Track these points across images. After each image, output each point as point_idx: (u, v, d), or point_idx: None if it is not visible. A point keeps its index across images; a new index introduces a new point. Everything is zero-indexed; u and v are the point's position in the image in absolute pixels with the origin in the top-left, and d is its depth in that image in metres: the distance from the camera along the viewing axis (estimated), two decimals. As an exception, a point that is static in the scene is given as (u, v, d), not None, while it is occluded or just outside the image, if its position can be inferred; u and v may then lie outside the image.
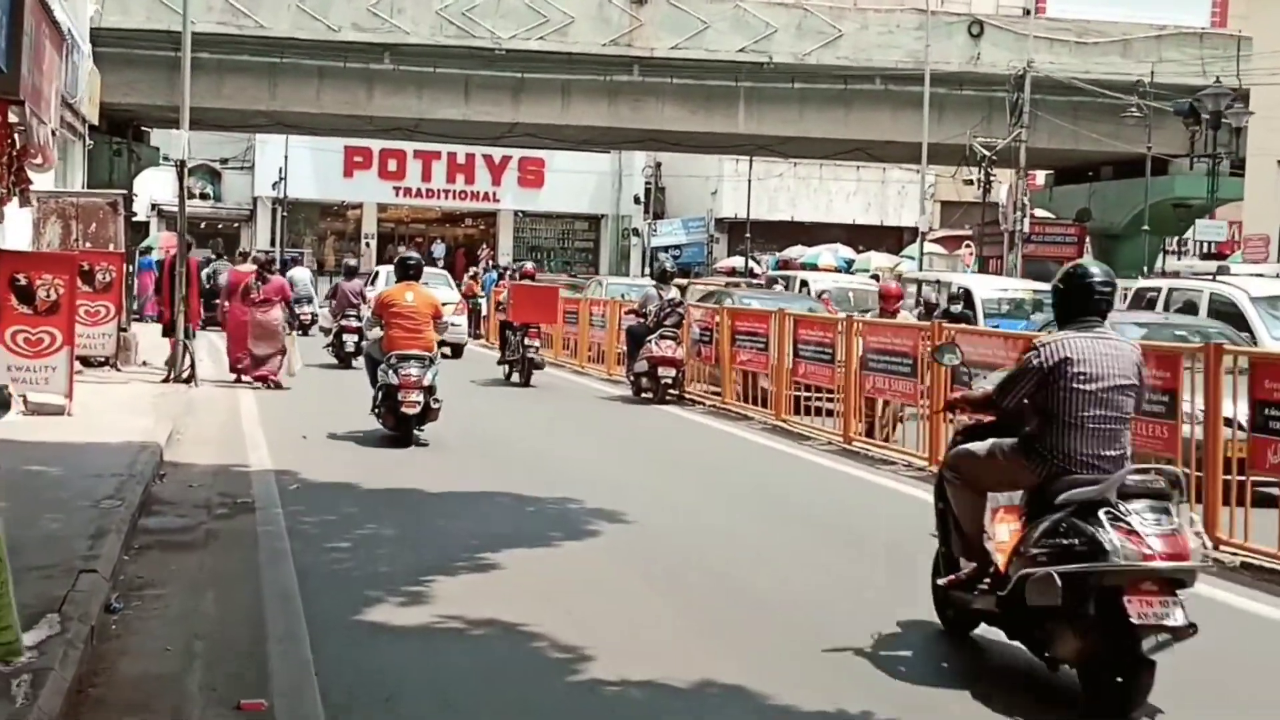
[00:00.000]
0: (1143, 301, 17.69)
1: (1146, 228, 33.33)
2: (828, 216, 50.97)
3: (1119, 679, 5.48)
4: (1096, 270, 6.17)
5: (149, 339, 19.05)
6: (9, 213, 14.72)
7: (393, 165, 51.02)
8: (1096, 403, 5.89)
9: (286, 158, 47.10)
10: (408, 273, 13.39)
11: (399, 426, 12.37)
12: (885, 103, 34.66)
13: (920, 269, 31.66)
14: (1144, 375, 6.25)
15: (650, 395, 16.61)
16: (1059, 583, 5.46)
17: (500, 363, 19.36)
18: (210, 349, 20.07)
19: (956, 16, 34.26)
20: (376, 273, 27.85)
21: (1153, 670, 5.45)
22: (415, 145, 48.64)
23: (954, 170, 36.54)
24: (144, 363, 17.47)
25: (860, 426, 13.12)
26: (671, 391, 16.43)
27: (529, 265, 24.58)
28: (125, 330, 17.03)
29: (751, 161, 46.52)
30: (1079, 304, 6.07)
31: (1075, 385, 5.89)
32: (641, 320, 16.72)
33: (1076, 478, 5.76)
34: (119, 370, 16.46)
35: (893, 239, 50.16)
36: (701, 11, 33.90)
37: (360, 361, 16.91)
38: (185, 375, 16.02)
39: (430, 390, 12.41)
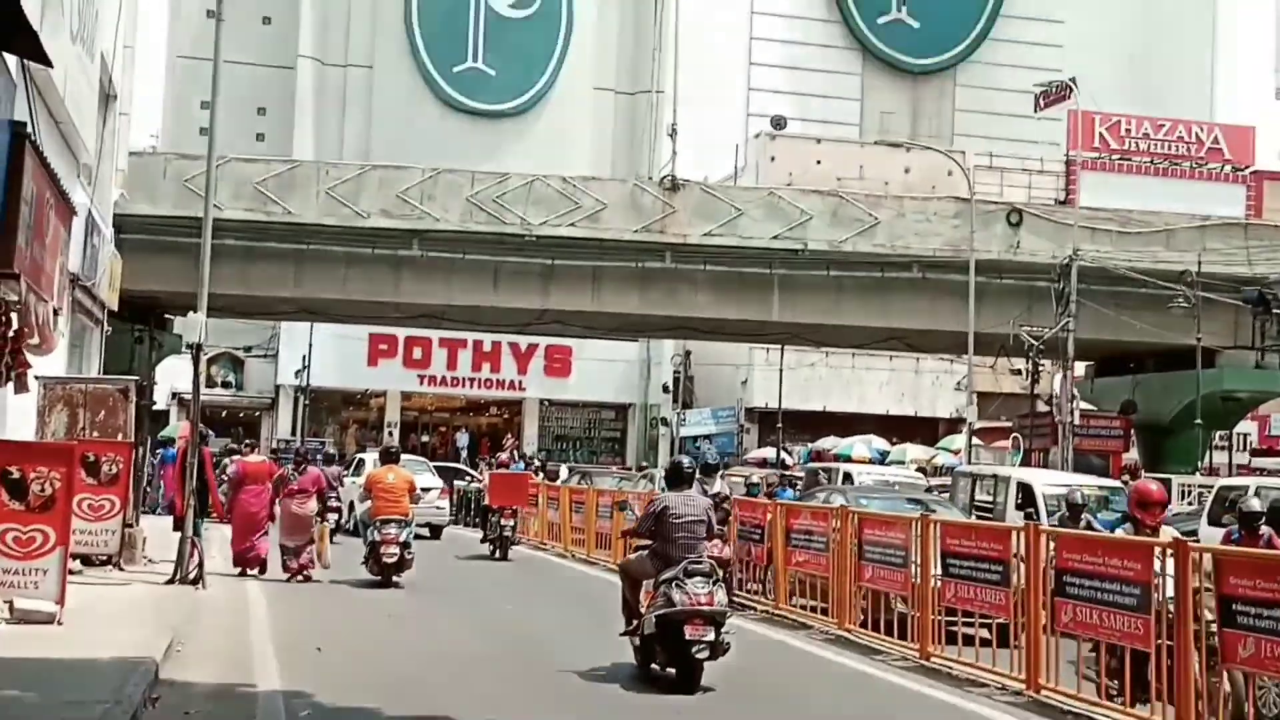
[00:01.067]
0: (1225, 502, 16.40)
1: (1200, 421, 32.13)
2: (861, 407, 49.96)
3: (685, 672, 10.16)
4: (684, 459, 11.98)
5: (161, 534, 17.82)
6: (9, 399, 13.81)
7: (418, 353, 50.38)
8: (681, 529, 10.67)
9: (311, 345, 46.49)
10: (390, 458, 18.04)
11: (382, 572, 16.49)
12: (923, 291, 33.90)
13: (969, 461, 30.41)
14: (712, 515, 11.15)
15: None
16: (654, 622, 10.27)
17: (483, 541, 22.11)
18: (224, 542, 18.93)
19: (995, 205, 33.68)
20: (361, 459, 28.78)
21: (702, 666, 10.15)
22: (441, 333, 48.03)
23: (993, 360, 35.56)
24: (148, 560, 16.23)
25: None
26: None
27: (504, 455, 28.41)
28: (131, 526, 15.83)
29: (783, 350, 45.72)
30: (674, 478, 11.40)
31: (670, 520, 10.73)
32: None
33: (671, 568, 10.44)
34: (122, 569, 15.22)
35: (927, 430, 49.03)
36: (735, 198, 33.45)
37: (340, 539, 20.91)
38: (193, 575, 14.76)
39: (405, 545, 16.60)
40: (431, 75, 51.83)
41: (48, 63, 8.09)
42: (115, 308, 24.66)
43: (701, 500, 11.13)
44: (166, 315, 38.58)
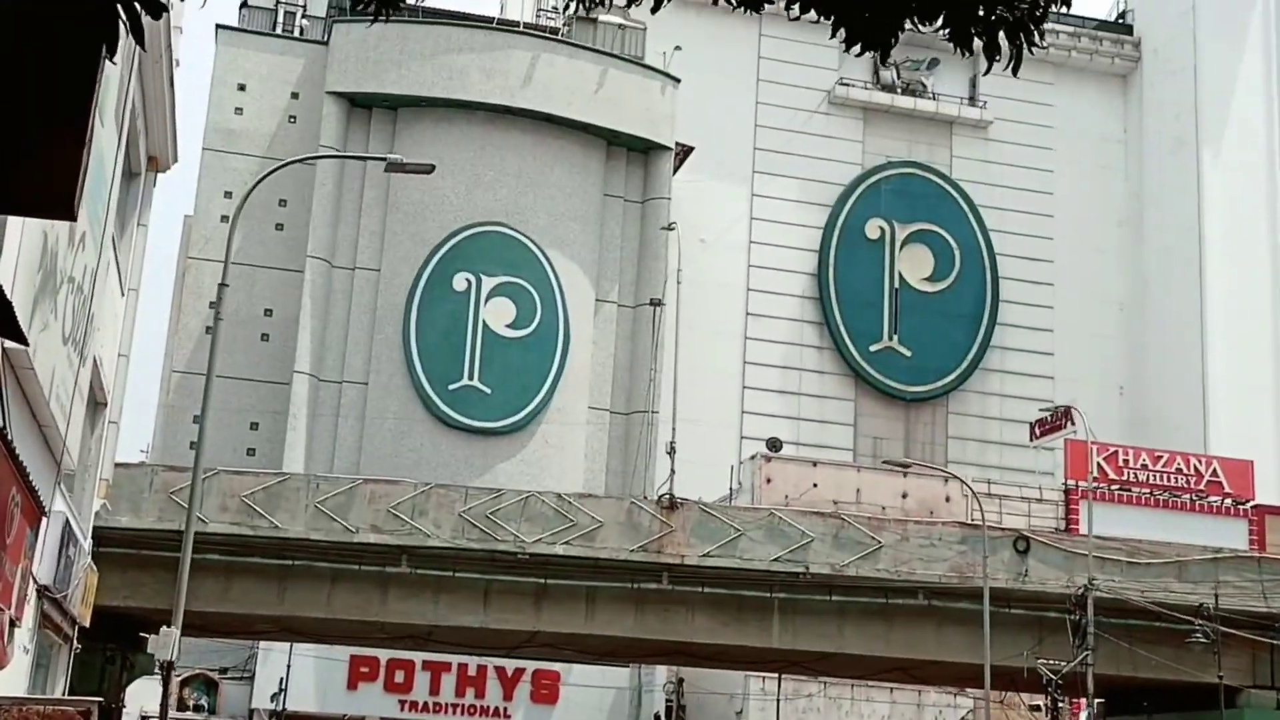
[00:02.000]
0: None
1: (1225, 764, 30.46)
2: (861, 741, 47.81)
3: None
4: None
5: None
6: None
7: (400, 676, 48.41)
8: None
9: (289, 667, 44.66)
10: None
11: None
12: (928, 619, 32.75)
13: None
14: None
15: None
16: None
17: None
18: None
19: (1002, 532, 32.91)
20: None
21: None
22: (424, 655, 46.29)
23: (1001, 695, 34.02)
24: None
25: None
26: None
27: None
28: None
29: (780, 679, 43.98)
30: None
31: None
32: None
33: None
34: None
35: (931, 767, 46.78)
36: (735, 519, 32.64)
37: None
38: None
39: None
40: (426, 392, 51.78)
41: (23, 340, 7.38)
42: (87, 624, 23.44)
43: None
44: (141, 634, 37.06)
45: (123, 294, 22.75)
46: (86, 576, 21.98)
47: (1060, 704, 30.03)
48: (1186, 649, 30.91)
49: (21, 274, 12.74)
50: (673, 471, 33.51)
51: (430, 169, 18.44)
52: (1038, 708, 30.92)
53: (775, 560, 32.02)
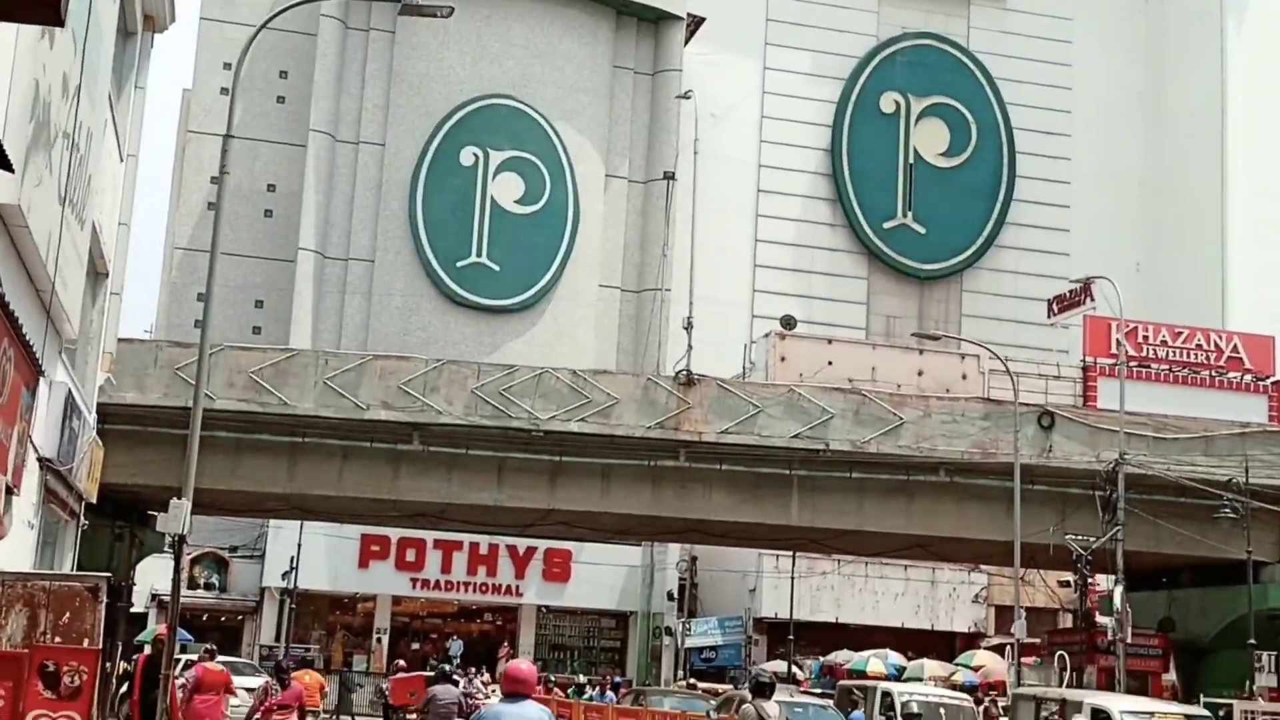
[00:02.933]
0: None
1: (1253, 641, 30.07)
2: (874, 619, 47.66)
3: None
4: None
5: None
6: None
7: (411, 555, 48.18)
8: None
9: (300, 546, 44.32)
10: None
11: None
12: (949, 496, 32.17)
13: (1018, 682, 28.12)
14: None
15: None
16: None
17: None
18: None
19: (1026, 407, 32.14)
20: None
21: None
22: (436, 535, 45.99)
23: (1022, 572, 33.57)
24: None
25: None
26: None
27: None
28: (93, 748, 13.69)
29: (795, 558, 43.68)
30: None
31: None
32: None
33: None
34: (79, 801, 13.06)
35: (944, 645, 46.74)
36: (754, 395, 31.90)
37: None
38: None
39: None
40: (434, 269, 50.89)
41: (7, 166, 6.53)
42: (94, 500, 22.82)
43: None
44: (150, 512, 36.63)
45: (121, 159, 21.77)
46: (92, 451, 21.29)
47: (1090, 580, 29.45)
48: (1212, 525, 30.35)
49: (13, 122, 11.81)
50: (690, 347, 32.73)
51: (450, 11, 17.36)
52: (1067, 583, 30.24)
53: (795, 437, 31.35)
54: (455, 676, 18.88)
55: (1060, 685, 28.29)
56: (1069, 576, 43.81)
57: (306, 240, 50.53)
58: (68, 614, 13.21)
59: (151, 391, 30.26)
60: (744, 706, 13.77)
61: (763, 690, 13.75)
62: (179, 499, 13.61)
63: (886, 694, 22.66)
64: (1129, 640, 28.40)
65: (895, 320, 61.25)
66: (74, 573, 17.62)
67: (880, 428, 31.58)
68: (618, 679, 37.80)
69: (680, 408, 31.38)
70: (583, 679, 36.13)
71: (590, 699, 23.93)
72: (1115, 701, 18.04)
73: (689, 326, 33.43)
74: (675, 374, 31.96)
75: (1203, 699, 25.74)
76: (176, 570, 13.44)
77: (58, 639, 13.15)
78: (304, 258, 50.46)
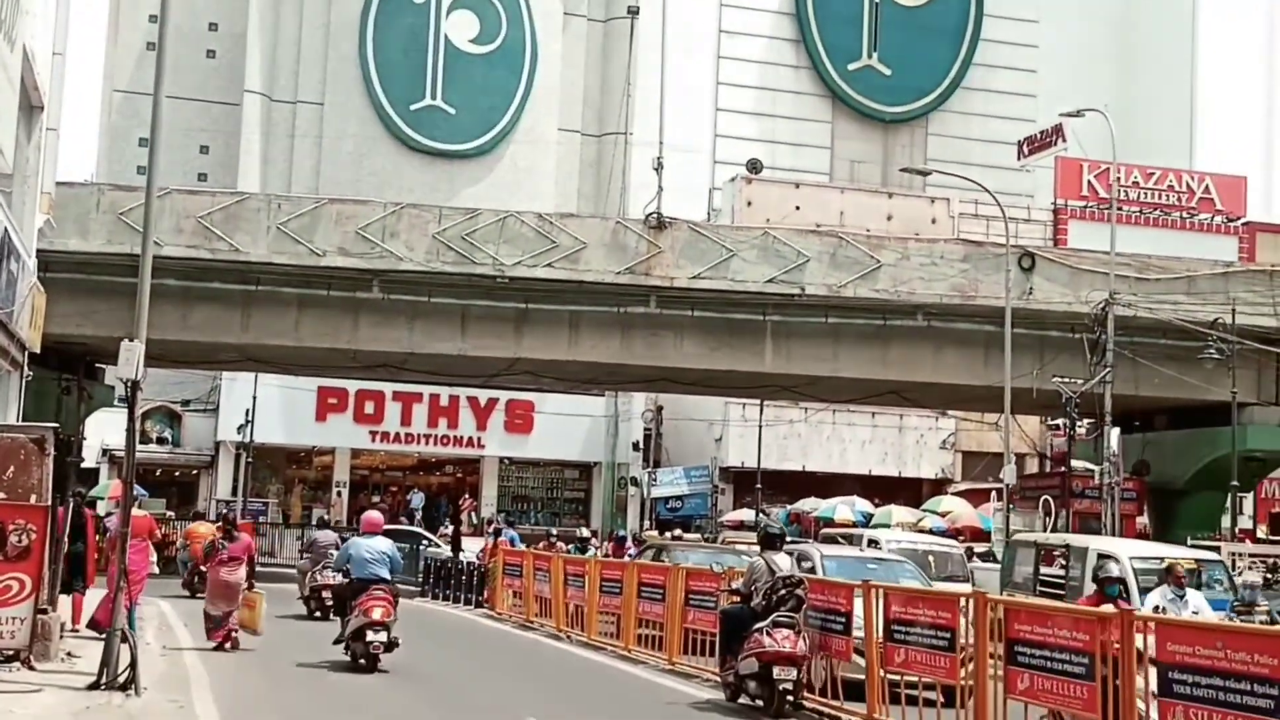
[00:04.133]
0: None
1: (1236, 483, 29.63)
2: (841, 467, 47.23)
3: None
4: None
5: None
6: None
7: (370, 407, 47.13)
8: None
9: (255, 399, 43.10)
10: None
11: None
12: (926, 340, 31.36)
13: (1007, 531, 27.55)
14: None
15: (761, 704, 12.22)
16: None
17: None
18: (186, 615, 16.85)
19: (1005, 248, 31.17)
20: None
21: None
22: (394, 387, 44.94)
23: (997, 417, 32.98)
24: (68, 655, 13.07)
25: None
26: (790, 698, 12.03)
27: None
28: (46, 612, 12.67)
29: (762, 406, 42.97)
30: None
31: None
32: (739, 600, 12.56)
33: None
34: (34, 669, 12.05)
35: (911, 491, 46.41)
36: (726, 239, 30.76)
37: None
38: (123, 678, 11.59)
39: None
40: (387, 113, 49.00)
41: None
42: (38, 349, 21.53)
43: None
44: (97, 364, 35.31)
45: (53, -18, 20.08)
46: (33, 297, 19.95)
47: (1077, 423, 28.74)
48: (1193, 366, 29.72)
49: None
50: (660, 189, 31.44)
51: None
52: (1057, 426, 29.40)
53: (769, 281, 30.31)
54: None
55: (1045, 530, 27.80)
56: (1036, 420, 43.53)
57: (252, 82, 48.44)
58: (12, 468, 12.11)
59: (95, 238, 28.79)
60: (753, 560, 12.89)
61: (772, 541, 12.92)
62: (131, 341, 12.35)
63: (873, 542, 21.89)
64: (1117, 484, 27.80)
65: (859, 165, 59.94)
66: (18, 424, 16.43)
67: (857, 271, 30.58)
68: (622, 533, 36.58)
69: (651, 252, 30.23)
70: (585, 532, 35.05)
71: (593, 556, 22.64)
72: (1123, 546, 17.38)
73: (659, 167, 32.09)
74: (645, 217, 30.72)
75: (1189, 542, 25.26)
76: (131, 418, 12.29)
77: (2, 495, 12.06)
78: (250, 101, 48.42)
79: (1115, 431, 26.95)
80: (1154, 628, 8.22)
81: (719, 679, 13.38)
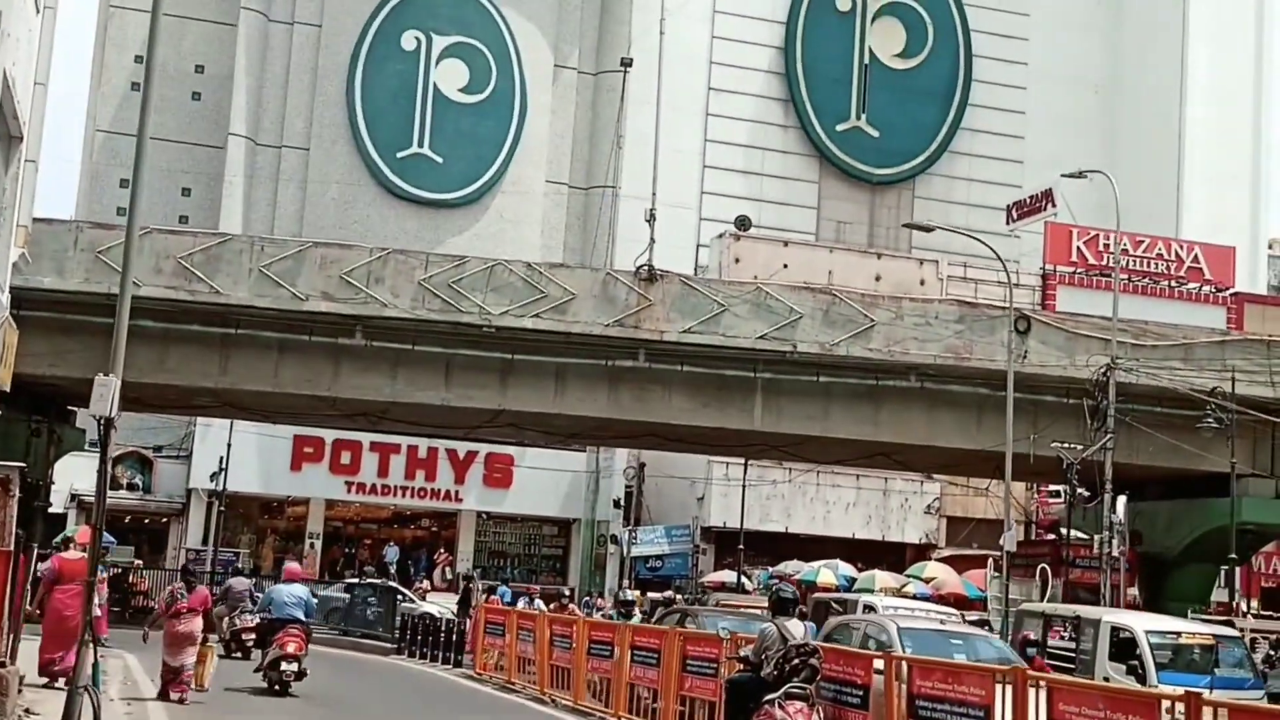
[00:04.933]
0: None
1: (1234, 556, 29.26)
2: (825, 530, 46.48)
3: None
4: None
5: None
6: None
7: (346, 458, 46.25)
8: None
9: (230, 446, 42.19)
10: None
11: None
12: (919, 401, 30.75)
13: (1004, 597, 26.82)
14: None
15: None
16: None
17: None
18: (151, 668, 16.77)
19: (1001, 311, 30.71)
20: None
21: None
22: (372, 437, 44.10)
23: (987, 483, 32.35)
24: (25, 711, 12.23)
25: None
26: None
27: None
28: (3, 665, 11.85)
29: (746, 465, 42.30)
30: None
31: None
32: (746, 669, 11.82)
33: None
34: (-14, 728, 11.25)
35: (894, 555, 45.69)
36: (718, 293, 30.17)
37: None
38: (84, 741, 10.78)
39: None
40: (373, 160, 48.47)
41: None
42: (8, 388, 20.73)
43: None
44: (69, 407, 34.43)
45: (38, 10, 19.46)
46: (5, 333, 19.17)
47: (1078, 490, 28.05)
48: (1191, 435, 29.21)
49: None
50: (652, 240, 30.83)
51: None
52: (1058, 493, 28.62)
53: (761, 338, 29.70)
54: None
55: (1042, 599, 27.13)
56: (1022, 487, 42.90)
57: (237, 125, 47.89)
58: (-27, 511, 11.30)
59: (72, 276, 28.04)
60: (764, 627, 12.13)
61: (784, 607, 12.14)
62: (105, 376, 11.61)
63: (869, 607, 21.16)
64: (1123, 554, 27.15)
65: (846, 225, 59.69)
66: (-21, 463, 15.62)
67: (850, 329, 30.01)
68: (628, 595, 32.92)
69: (641, 305, 29.60)
70: (631, 594, 32.73)
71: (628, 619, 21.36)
72: (1138, 620, 16.70)
73: (651, 219, 31.50)
74: (636, 269, 30.10)
75: (1189, 615, 24.59)
76: (104, 459, 11.53)
77: (-39, 539, 11.27)
78: (234, 144, 47.85)
79: (1121, 500, 26.22)
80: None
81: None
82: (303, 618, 17.82)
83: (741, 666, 12.05)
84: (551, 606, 24.84)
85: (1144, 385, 29.02)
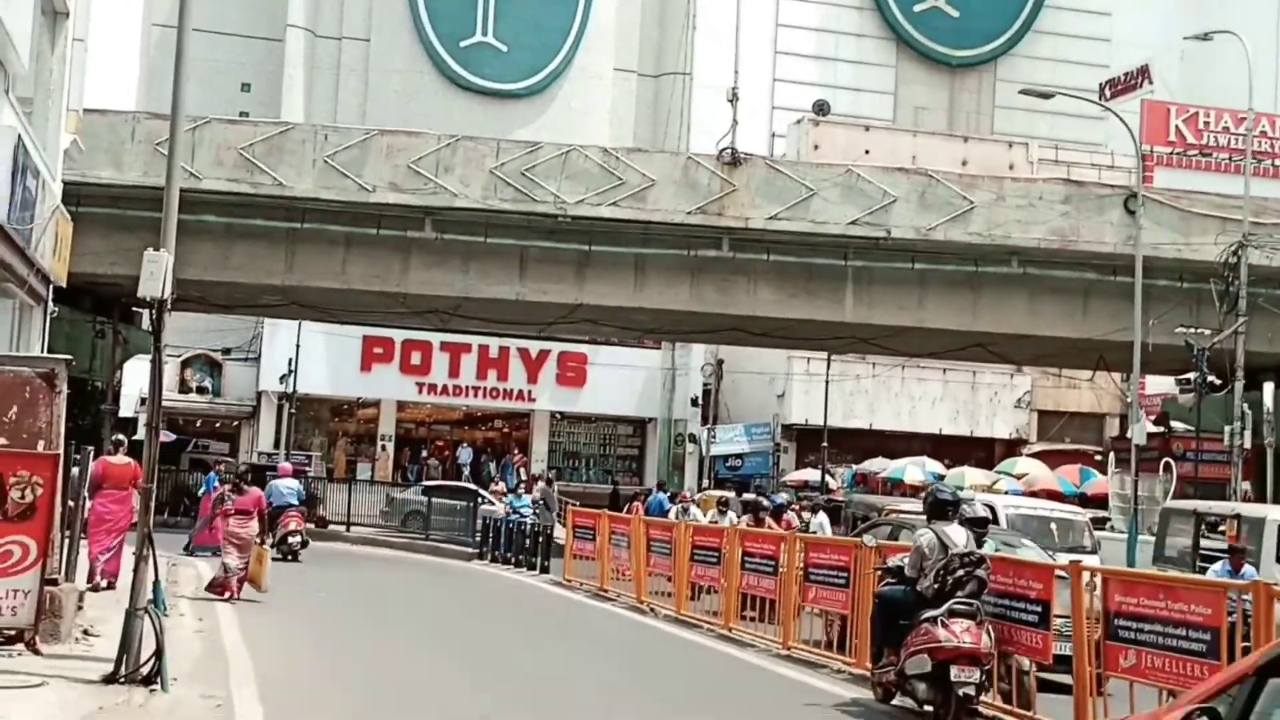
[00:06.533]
0: None
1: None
2: (910, 425, 44.86)
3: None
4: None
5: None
6: None
7: (416, 358, 45.12)
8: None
9: (298, 347, 41.17)
10: None
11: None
12: (1020, 289, 29.04)
13: (1135, 498, 25.17)
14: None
15: (931, 709, 10.00)
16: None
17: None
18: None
19: (1110, 190, 28.78)
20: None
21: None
22: (442, 336, 42.89)
23: (1091, 374, 30.60)
24: (84, 634, 11.04)
25: None
26: (972, 704, 9.81)
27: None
28: (56, 583, 10.64)
29: (829, 359, 40.71)
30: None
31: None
32: (895, 581, 10.40)
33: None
34: (39, 654, 10.01)
35: (983, 451, 44.11)
36: (807, 177, 28.44)
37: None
38: (146, 669, 9.51)
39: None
40: (435, 49, 46.76)
41: None
42: (63, 283, 19.58)
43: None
44: (134, 308, 33.42)
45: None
46: (58, 225, 17.95)
47: (1206, 376, 26.07)
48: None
49: None
50: (735, 121, 29.10)
51: None
52: (1188, 381, 26.49)
53: (852, 223, 28.03)
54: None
55: (1166, 496, 25.52)
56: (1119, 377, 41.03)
57: (295, 17, 46.32)
58: (15, 408, 10.01)
59: (130, 170, 26.86)
60: (920, 533, 10.64)
61: (943, 510, 10.60)
62: (156, 250, 10.26)
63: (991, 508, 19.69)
64: (1246, 446, 25.41)
65: (924, 111, 57.20)
66: (21, 354, 14.39)
67: (947, 213, 28.24)
68: (780, 499, 26.79)
69: (724, 190, 28.00)
70: (721, 494, 30.22)
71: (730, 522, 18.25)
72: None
73: (734, 99, 29.75)
74: (719, 153, 28.41)
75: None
76: (157, 347, 10.19)
77: (2, 440, 10.00)
78: (293, 36, 46.31)
79: (1269, 389, 24.43)
80: None
81: (869, 675, 11.29)
82: (296, 503, 23.39)
83: (885, 577, 10.63)
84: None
85: (1271, 266, 27.00)
